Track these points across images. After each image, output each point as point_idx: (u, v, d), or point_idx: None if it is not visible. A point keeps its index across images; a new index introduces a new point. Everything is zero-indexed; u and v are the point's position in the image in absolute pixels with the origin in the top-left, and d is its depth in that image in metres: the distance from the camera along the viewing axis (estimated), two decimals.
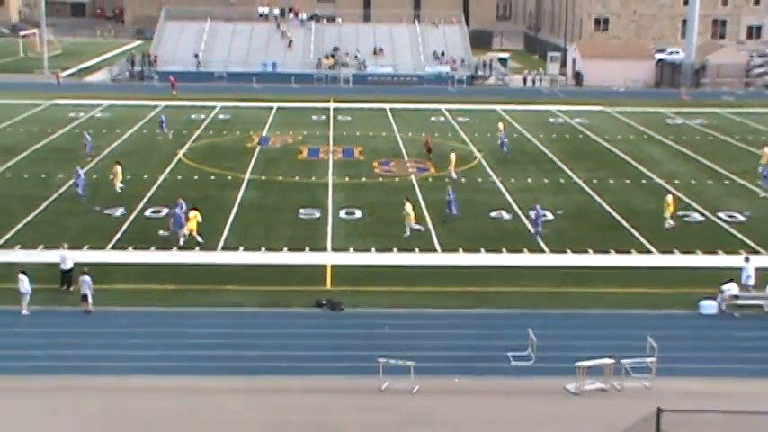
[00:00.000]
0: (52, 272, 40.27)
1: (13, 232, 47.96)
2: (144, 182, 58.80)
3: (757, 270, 40.59)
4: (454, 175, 60.62)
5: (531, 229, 48.68)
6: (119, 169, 57.09)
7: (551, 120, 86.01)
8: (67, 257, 40.56)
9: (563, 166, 65.41)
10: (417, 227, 48.28)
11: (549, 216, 51.79)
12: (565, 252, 46.32)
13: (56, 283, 39.70)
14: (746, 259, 41.12)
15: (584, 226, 50.87)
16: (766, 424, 25.91)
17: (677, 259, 45.42)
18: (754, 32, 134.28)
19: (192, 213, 46.93)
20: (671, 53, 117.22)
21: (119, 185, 56.11)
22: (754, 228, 50.56)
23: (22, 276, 37.49)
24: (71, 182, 57.41)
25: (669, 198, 50.98)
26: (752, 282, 39.62)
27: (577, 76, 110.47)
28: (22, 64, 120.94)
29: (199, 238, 46.19)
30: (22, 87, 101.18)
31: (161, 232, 47.69)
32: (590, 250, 46.53)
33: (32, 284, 37.54)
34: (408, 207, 48.51)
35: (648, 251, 46.63)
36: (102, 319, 37.06)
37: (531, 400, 30.78)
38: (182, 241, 46.20)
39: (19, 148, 68.24)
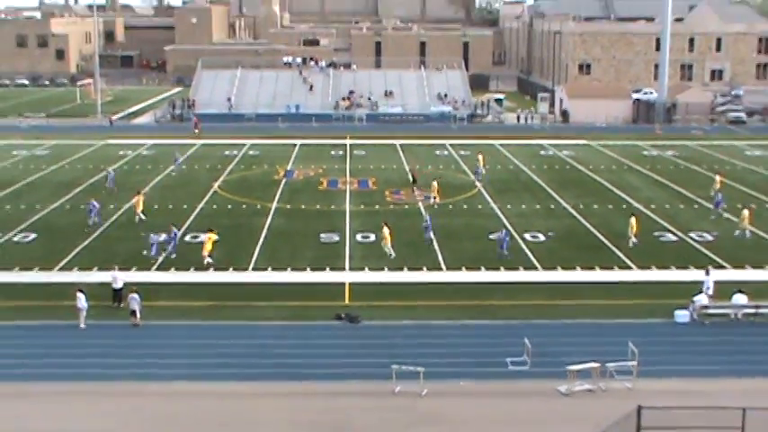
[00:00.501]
0: (105, 290, 40.41)
1: (71, 256, 48.14)
2: (183, 210, 58.86)
3: (721, 283, 40.88)
4: (437, 200, 61.53)
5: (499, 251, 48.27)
6: (140, 199, 57.10)
7: (542, 152, 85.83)
8: (118, 278, 40.74)
9: (553, 194, 65.28)
10: (389, 250, 47.95)
11: (541, 237, 52.03)
12: (555, 269, 46.24)
13: (108, 301, 39.83)
14: (707, 272, 41.24)
15: (572, 246, 50.78)
16: (734, 417, 25.75)
17: (654, 274, 45.32)
18: (716, 75, 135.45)
19: (207, 236, 47.41)
20: (646, 93, 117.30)
21: (139, 214, 55.89)
22: (719, 246, 50.44)
23: (79, 294, 37.75)
24: (121, 212, 57.75)
25: (632, 220, 51.18)
26: (710, 292, 39.69)
27: (564, 114, 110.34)
28: (79, 109, 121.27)
29: (209, 260, 46.21)
30: (79, 129, 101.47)
31: (145, 253, 48.03)
32: (578, 267, 46.45)
33: (88, 301, 37.75)
34: (386, 231, 48.32)
35: (629, 267, 46.52)
36: (149, 331, 37.18)
37: (527, 400, 30.74)
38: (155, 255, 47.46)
39: (76, 183, 68.40)
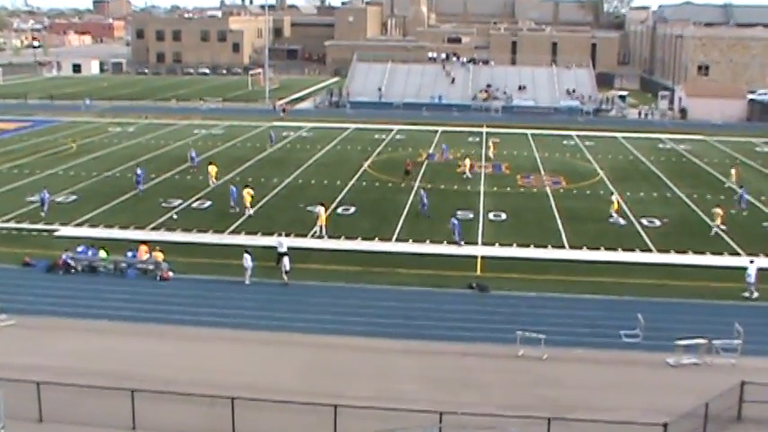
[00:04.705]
0: (267, 253, 41.21)
1: (239, 221, 49.35)
2: (337, 186, 59.54)
3: None
4: (470, 176, 63.33)
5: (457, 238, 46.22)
6: (212, 169, 59.45)
7: (660, 146, 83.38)
8: (283, 242, 41.21)
9: (669, 183, 63.35)
10: (318, 229, 46.80)
11: (657, 222, 50.64)
12: (669, 252, 44.95)
13: (270, 262, 40.35)
14: (751, 261, 39.35)
15: (686, 231, 49.22)
16: None
17: (763, 261, 42.98)
18: None
19: (246, 190, 51.04)
20: (761, 94, 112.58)
21: (212, 182, 58.51)
22: None
23: (246, 255, 38.64)
24: (284, 184, 58.77)
25: (613, 197, 52.96)
26: (752, 280, 38.03)
27: (683, 111, 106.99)
28: (250, 95, 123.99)
29: (250, 212, 50.06)
30: (249, 113, 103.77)
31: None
32: (689, 251, 45.06)
33: (254, 261, 38.64)
34: (321, 210, 47.72)
35: (737, 254, 44.80)
36: (303, 290, 37.78)
37: (637, 370, 30.06)
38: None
39: (246, 158, 70.06)
